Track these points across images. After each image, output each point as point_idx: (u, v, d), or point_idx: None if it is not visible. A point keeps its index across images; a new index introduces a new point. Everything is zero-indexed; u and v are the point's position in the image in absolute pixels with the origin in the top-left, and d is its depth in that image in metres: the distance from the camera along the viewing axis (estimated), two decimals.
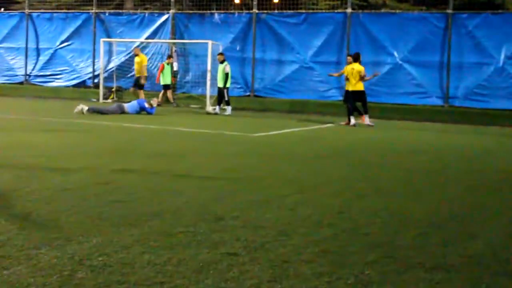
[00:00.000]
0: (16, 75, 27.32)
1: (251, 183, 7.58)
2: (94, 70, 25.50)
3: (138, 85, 21.37)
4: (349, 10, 21.53)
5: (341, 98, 18.66)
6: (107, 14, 25.49)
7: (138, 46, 22.98)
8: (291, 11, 22.55)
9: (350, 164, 9.73)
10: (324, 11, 22.81)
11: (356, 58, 17.01)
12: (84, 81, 25.92)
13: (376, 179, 8.28)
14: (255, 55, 22.86)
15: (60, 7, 27.03)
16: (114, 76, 23.75)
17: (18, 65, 27.29)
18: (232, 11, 23.52)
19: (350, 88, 16.89)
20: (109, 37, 24.99)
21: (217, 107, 19.85)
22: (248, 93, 23.18)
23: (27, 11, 26.92)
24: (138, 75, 21.39)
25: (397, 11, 21.18)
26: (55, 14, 26.53)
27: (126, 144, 11.37)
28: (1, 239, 4.67)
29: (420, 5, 24.06)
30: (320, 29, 21.96)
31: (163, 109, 20.08)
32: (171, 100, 22.34)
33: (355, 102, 16.93)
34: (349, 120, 16.89)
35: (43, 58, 26.74)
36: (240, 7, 25.05)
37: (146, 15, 24.70)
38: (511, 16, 20.55)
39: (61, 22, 26.30)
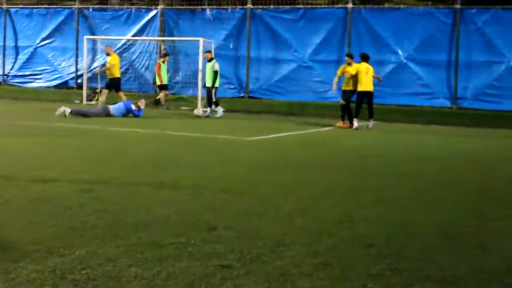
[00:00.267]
0: None
1: (246, 191, 7.57)
2: (77, 70, 25.50)
3: (112, 86, 21.17)
4: (350, 5, 21.59)
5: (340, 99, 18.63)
6: (91, 10, 25.53)
7: (109, 44, 22.72)
8: (288, 6, 22.59)
9: (351, 171, 9.73)
10: (323, 6, 22.86)
11: (366, 58, 17.20)
12: (66, 82, 25.93)
13: (379, 186, 8.28)
14: (249, 54, 22.91)
15: (41, 2, 27.00)
16: (99, 76, 23.70)
17: None
18: (225, 7, 23.54)
19: (362, 88, 16.98)
20: (93, 34, 25.00)
21: (208, 109, 19.82)
22: (242, 94, 23.21)
23: (4, 6, 26.92)
24: (111, 77, 21.15)
25: (402, 6, 21.23)
26: (35, 10, 26.54)
27: (112, 149, 11.35)
28: None
29: (426, 0, 24.13)
30: (319, 25, 22.01)
31: (152, 112, 20.07)
32: (162, 102, 22.33)
33: (362, 104, 17.05)
34: (351, 123, 16.99)
35: (22, 57, 26.73)
36: (233, 2, 25.06)
37: (133, 11, 24.72)
38: None
39: (42, 18, 26.30)
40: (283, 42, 22.58)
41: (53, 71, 26.12)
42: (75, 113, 17.35)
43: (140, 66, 24.54)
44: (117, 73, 21.29)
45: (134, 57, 24.69)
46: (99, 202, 6.51)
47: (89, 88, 23.33)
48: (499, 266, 4.80)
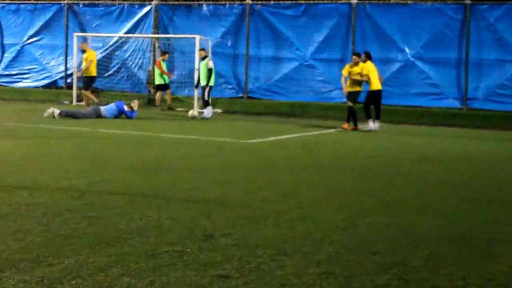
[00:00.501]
0: None
1: (245, 196, 7.59)
2: (66, 69, 25.49)
3: (86, 86, 21.10)
4: (354, 1, 21.61)
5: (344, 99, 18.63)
6: (81, 5, 25.53)
7: (83, 40, 22.68)
8: (289, 2, 22.62)
9: (355, 175, 9.75)
10: (326, 1, 22.87)
11: (370, 56, 17.28)
12: (55, 81, 25.92)
13: (385, 191, 8.30)
14: (248, 52, 22.92)
15: None
16: None
17: None
18: (222, 2, 23.55)
19: (374, 87, 17.02)
20: (83, 31, 25.00)
21: (208, 109, 19.76)
22: (241, 95, 23.22)
23: None
24: (87, 75, 21.08)
25: (409, 1, 21.25)
26: (22, 5, 26.51)
27: (103, 152, 11.36)
28: None
29: None
30: (322, 22, 22.04)
31: (146, 113, 20.08)
32: (158, 103, 22.33)
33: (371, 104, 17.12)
34: (355, 125, 17.05)
35: (8, 56, 26.71)
36: None
37: (126, 6, 24.73)
38: None
39: (29, 15, 26.30)
40: (283, 40, 22.59)
41: (41, 70, 26.10)
42: (65, 115, 17.37)
43: (133, 65, 24.55)
44: (94, 72, 21.13)
45: (127, 55, 24.70)
46: (90, 208, 6.52)
47: (79, 88, 23.31)
48: (510, 274, 4.81)
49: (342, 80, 17.56)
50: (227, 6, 23.38)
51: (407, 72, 21.13)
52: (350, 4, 21.73)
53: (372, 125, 16.95)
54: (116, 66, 24.72)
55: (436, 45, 20.76)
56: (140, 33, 24.31)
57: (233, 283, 4.38)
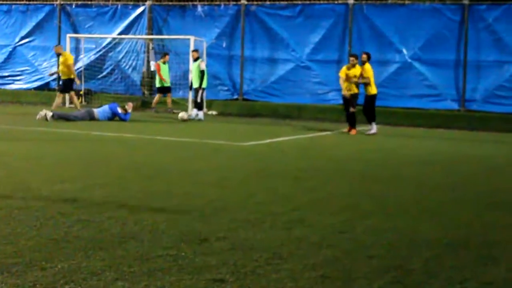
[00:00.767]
0: None
1: (240, 199, 7.59)
2: (59, 71, 25.39)
3: (65, 88, 20.94)
4: (351, 1, 21.63)
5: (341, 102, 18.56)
6: (74, 6, 25.50)
7: (57, 45, 22.49)
8: (285, 2, 22.63)
9: (352, 178, 9.76)
10: (322, 2, 22.88)
11: (370, 57, 17.27)
12: (47, 83, 25.86)
13: (382, 195, 8.31)
14: (244, 53, 22.92)
15: None
16: (83, 77, 23.72)
17: None
18: (217, 3, 23.57)
19: (374, 91, 16.99)
20: (76, 32, 25.00)
21: (200, 112, 19.78)
22: (236, 97, 23.22)
23: None
24: (65, 78, 20.75)
25: (406, 2, 21.27)
26: (13, 6, 26.47)
27: (97, 155, 11.35)
28: None
29: None
30: (318, 23, 22.06)
31: (140, 115, 20.07)
32: (154, 105, 22.30)
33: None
34: (353, 128, 17.01)
35: (0, 57, 26.66)
36: None
37: (119, 7, 24.72)
38: None
39: (21, 15, 26.26)
40: (279, 41, 22.61)
41: (33, 72, 26.06)
42: (57, 117, 17.36)
43: (127, 66, 24.53)
44: (72, 74, 20.91)
45: (120, 56, 24.67)
46: (83, 211, 6.51)
47: (74, 90, 23.25)
48: (509, 278, 4.83)
49: (341, 82, 17.24)
50: (222, 6, 23.39)
51: (405, 73, 21.15)
52: (346, 4, 21.75)
53: (375, 128, 16.89)
54: (110, 68, 24.70)
55: (434, 46, 20.78)
56: (134, 34, 24.29)
57: (229, 287, 4.39)
